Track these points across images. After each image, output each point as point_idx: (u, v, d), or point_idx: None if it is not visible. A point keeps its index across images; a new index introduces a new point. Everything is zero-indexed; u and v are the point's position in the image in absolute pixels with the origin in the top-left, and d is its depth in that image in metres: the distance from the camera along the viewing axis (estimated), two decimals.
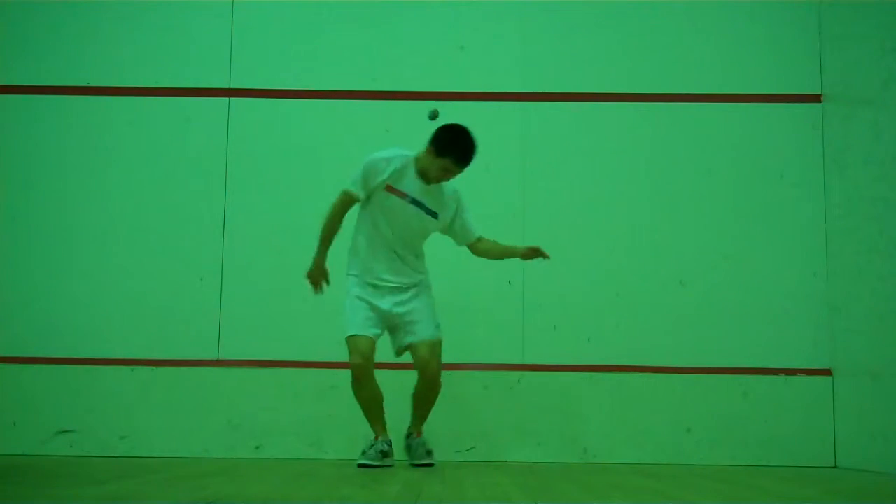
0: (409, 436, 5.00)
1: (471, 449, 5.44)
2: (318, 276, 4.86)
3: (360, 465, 4.70)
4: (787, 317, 5.56)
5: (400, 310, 4.82)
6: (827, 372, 5.48)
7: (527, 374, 5.53)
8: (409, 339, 4.84)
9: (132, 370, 5.51)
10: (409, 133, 5.73)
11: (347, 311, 4.83)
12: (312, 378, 5.50)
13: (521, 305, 5.61)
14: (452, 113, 5.73)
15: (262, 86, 5.76)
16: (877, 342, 4.95)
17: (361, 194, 4.76)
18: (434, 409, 5.49)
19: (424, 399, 4.93)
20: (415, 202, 4.77)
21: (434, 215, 4.83)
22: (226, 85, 5.76)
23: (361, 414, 5.37)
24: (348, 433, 5.42)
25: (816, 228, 5.60)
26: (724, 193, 5.68)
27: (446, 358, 5.56)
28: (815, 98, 5.69)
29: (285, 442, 5.43)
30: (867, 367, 5.05)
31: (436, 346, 4.84)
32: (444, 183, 4.82)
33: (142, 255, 5.62)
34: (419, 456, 4.90)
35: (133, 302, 5.58)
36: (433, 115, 4.82)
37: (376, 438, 4.78)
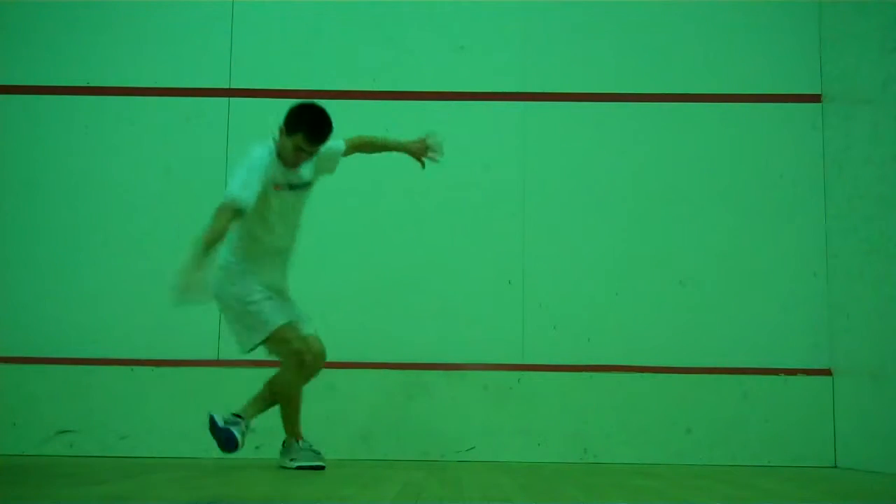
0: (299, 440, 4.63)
1: (471, 449, 5.45)
2: (195, 281, 4.18)
3: (300, 467, 4.50)
4: (787, 317, 5.56)
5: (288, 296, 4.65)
6: (827, 372, 5.48)
7: (527, 374, 5.53)
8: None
9: (132, 370, 5.51)
10: (409, 133, 5.74)
11: (254, 310, 4.49)
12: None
13: (521, 305, 5.61)
14: (453, 113, 5.77)
15: (262, 86, 5.76)
16: (877, 342, 4.95)
17: (249, 207, 4.36)
18: (434, 409, 5.53)
19: (298, 397, 4.66)
20: (293, 187, 4.54)
21: (308, 184, 4.62)
22: (226, 85, 5.76)
23: (361, 414, 5.39)
24: (348, 433, 5.43)
25: (816, 228, 5.60)
26: (724, 193, 5.68)
27: (446, 358, 5.58)
28: (815, 98, 5.69)
29: None
30: (867, 367, 5.05)
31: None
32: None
33: (142, 255, 5.62)
34: (303, 457, 4.57)
35: (133, 302, 5.58)
36: None
37: (300, 439, 4.59)
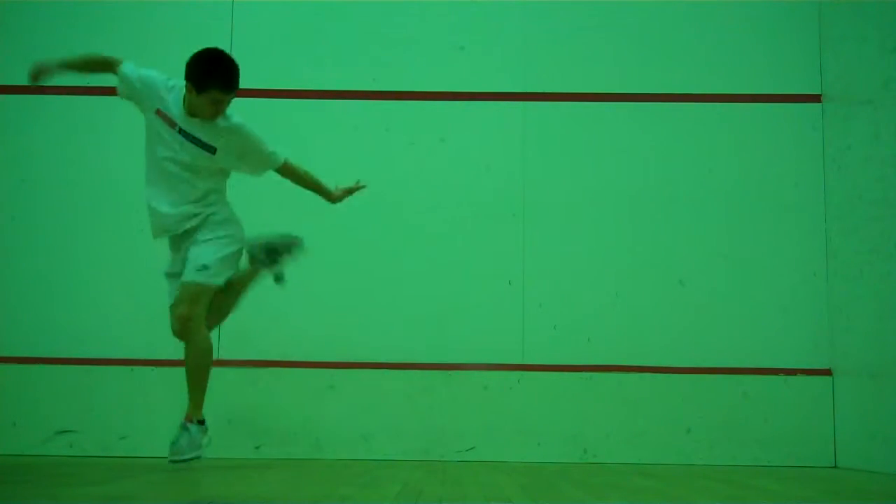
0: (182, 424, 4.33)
1: (471, 449, 5.44)
2: (42, 67, 4.38)
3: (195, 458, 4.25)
4: (787, 317, 5.56)
5: (183, 253, 4.42)
6: (827, 372, 5.48)
7: (527, 374, 5.53)
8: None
9: (132, 370, 5.51)
10: (409, 133, 5.75)
11: None
12: (312, 378, 5.49)
13: (521, 305, 5.61)
14: (453, 113, 5.77)
15: (262, 86, 5.76)
16: (877, 342, 4.95)
17: (123, 77, 4.41)
18: (434, 409, 5.49)
19: (187, 364, 4.37)
20: (184, 133, 4.33)
21: (211, 150, 4.36)
22: None
23: (361, 414, 5.40)
24: (348, 433, 5.44)
25: (816, 228, 5.60)
26: (724, 193, 5.68)
27: (446, 357, 5.57)
28: (815, 98, 5.69)
29: (285, 442, 5.43)
30: (867, 367, 5.05)
31: (191, 291, 4.28)
32: (225, 116, 4.41)
33: (142, 255, 5.61)
34: (176, 450, 4.22)
35: (133, 302, 5.58)
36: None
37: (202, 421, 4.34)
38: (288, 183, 5.55)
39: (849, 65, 5.38)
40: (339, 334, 5.55)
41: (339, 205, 5.62)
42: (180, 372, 5.51)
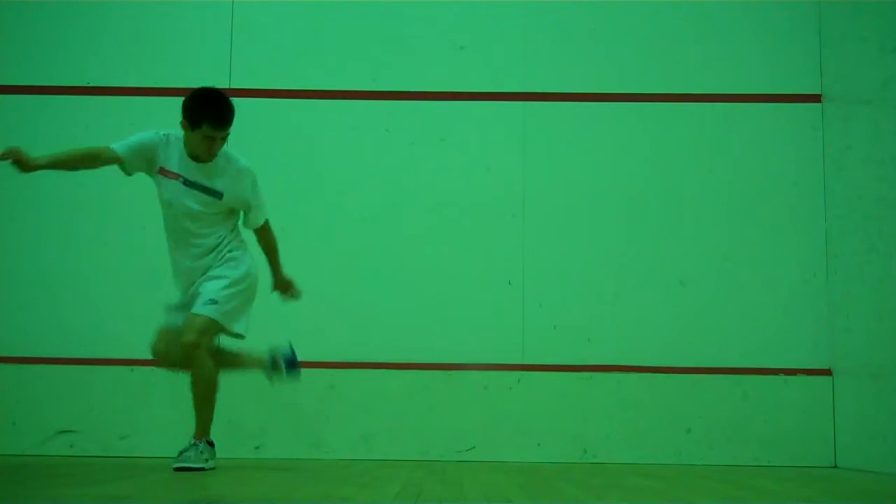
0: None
1: (471, 449, 5.44)
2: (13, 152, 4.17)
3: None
4: (787, 317, 5.56)
5: (194, 289, 4.45)
6: (827, 372, 5.48)
7: (527, 374, 5.53)
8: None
9: (132, 370, 5.51)
10: (409, 133, 5.75)
11: None
12: (312, 378, 5.48)
13: (521, 305, 5.61)
14: (453, 113, 5.77)
15: (262, 86, 5.76)
16: (877, 342, 4.95)
17: (125, 157, 4.35)
18: (434, 409, 5.49)
19: (192, 391, 4.39)
20: (188, 183, 4.37)
21: (217, 195, 4.40)
22: (226, 85, 5.75)
23: (361, 414, 5.40)
24: (348, 433, 5.44)
25: (816, 228, 5.60)
26: (724, 193, 5.68)
27: (446, 357, 5.57)
28: (815, 98, 5.69)
29: (285, 442, 5.43)
30: (867, 367, 5.05)
31: (199, 322, 4.31)
32: (228, 159, 4.44)
33: (142, 255, 5.62)
34: (183, 458, 4.26)
35: (133, 302, 5.57)
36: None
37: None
38: (289, 188, 5.58)
39: (849, 65, 5.38)
40: (339, 334, 5.55)
41: (339, 205, 5.66)
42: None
